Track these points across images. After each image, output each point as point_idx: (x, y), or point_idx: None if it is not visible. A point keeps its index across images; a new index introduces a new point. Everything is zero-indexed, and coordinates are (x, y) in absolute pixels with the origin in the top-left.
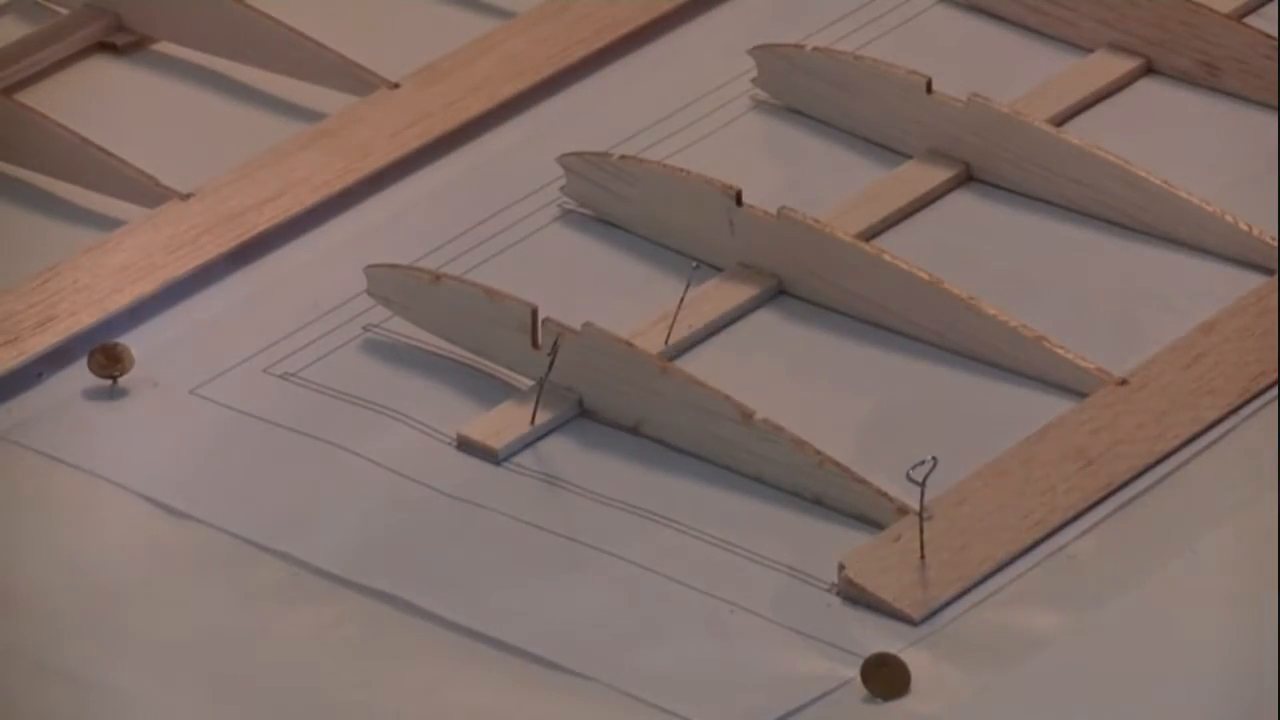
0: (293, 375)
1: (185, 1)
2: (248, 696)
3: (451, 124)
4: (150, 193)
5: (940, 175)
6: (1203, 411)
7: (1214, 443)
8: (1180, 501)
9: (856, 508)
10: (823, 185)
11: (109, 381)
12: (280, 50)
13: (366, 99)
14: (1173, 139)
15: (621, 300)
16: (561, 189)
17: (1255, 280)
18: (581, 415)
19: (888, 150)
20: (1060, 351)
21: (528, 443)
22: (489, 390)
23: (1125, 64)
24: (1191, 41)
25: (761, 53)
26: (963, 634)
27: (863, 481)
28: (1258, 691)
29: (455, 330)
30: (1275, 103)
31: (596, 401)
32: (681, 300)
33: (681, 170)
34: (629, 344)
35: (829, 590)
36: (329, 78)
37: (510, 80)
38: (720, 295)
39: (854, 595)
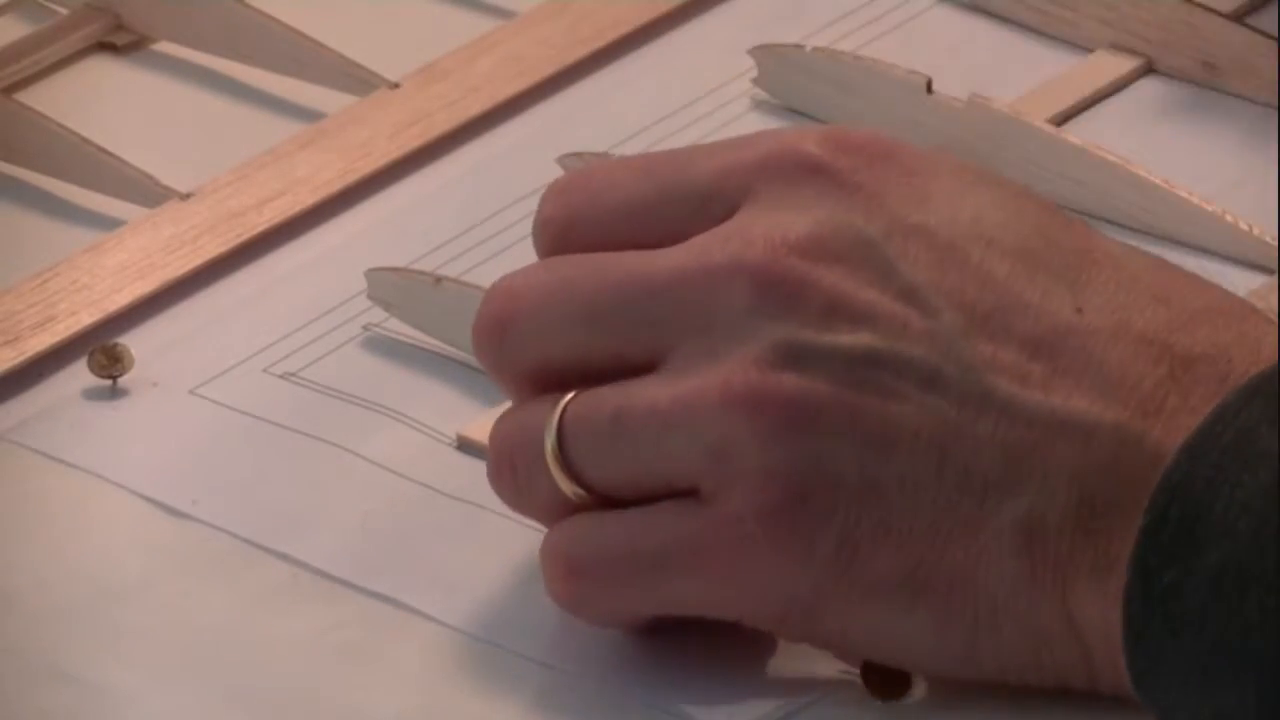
0: (293, 375)
1: (185, 1)
2: (247, 697)
3: (451, 124)
4: (150, 193)
5: None
6: None
7: None
8: None
9: None
10: None
11: (109, 381)
12: (280, 50)
13: (366, 99)
14: (1173, 139)
15: None
16: None
17: (1255, 280)
18: None
19: None
20: None
21: None
22: (489, 390)
23: (1125, 64)
24: (1191, 41)
25: (761, 52)
26: None
27: None
28: None
29: (456, 332)
30: (1275, 103)
31: None
32: None
33: None
34: None
35: None
36: (329, 78)
37: (510, 80)
38: None
39: None
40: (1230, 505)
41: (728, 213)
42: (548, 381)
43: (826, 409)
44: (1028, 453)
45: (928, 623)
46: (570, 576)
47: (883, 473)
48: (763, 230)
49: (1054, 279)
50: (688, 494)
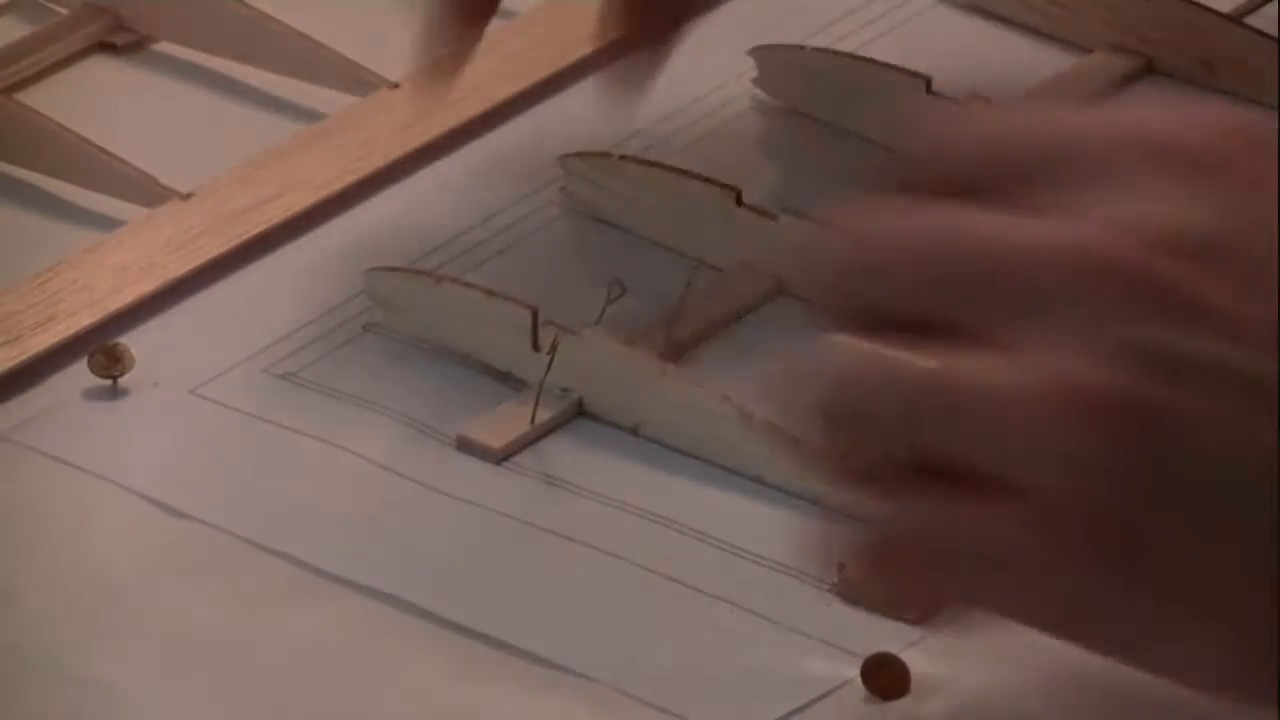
0: (293, 375)
1: (185, 1)
2: (248, 696)
3: (451, 124)
4: (150, 193)
5: None
6: None
7: None
8: None
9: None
10: (823, 186)
11: (109, 381)
12: (280, 50)
13: (366, 99)
14: None
15: (622, 300)
16: (561, 189)
17: None
18: (581, 415)
19: (888, 150)
20: None
21: (528, 443)
22: (489, 390)
23: (1125, 64)
24: (1191, 41)
25: (761, 53)
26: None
27: None
28: None
29: (455, 332)
30: (1275, 103)
31: (597, 403)
32: (681, 300)
33: (681, 170)
34: (629, 345)
35: (829, 590)
36: (329, 78)
37: (510, 80)
38: (720, 295)
39: (854, 595)
40: None
41: (1082, 181)
42: (870, 324)
43: (1178, 420)
44: None
45: (1227, 640)
46: (884, 559)
47: (1219, 489)
48: (1134, 223)
49: None
50: (994, 485)
